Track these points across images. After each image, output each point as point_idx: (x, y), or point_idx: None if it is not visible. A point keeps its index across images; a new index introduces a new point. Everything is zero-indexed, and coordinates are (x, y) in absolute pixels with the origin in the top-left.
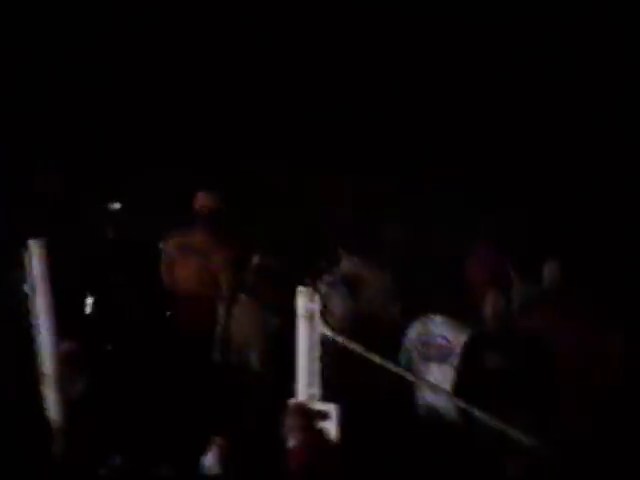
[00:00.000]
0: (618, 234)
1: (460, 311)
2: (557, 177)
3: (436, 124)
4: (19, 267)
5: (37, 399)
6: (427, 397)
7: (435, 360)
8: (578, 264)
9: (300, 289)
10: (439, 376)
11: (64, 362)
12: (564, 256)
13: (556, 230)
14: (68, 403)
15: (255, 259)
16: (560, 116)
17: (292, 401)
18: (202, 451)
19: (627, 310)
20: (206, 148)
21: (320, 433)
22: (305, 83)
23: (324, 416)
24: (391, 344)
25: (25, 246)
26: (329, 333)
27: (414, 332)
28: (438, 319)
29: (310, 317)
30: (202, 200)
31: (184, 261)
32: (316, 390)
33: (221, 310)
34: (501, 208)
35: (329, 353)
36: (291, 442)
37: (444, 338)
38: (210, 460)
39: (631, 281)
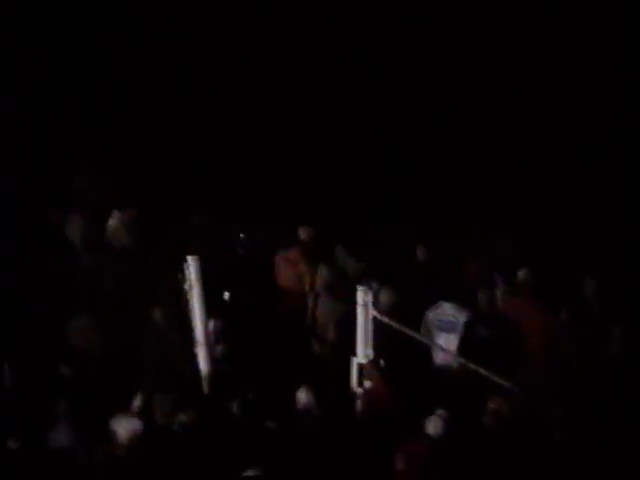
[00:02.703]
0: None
1: (462, 300)
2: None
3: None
4: (182, 272)
5: (194, 357)
6: (440, 355)
7: (445, 331)
8: (538, 274)
9: (359, 287)
10: (448, 341)
11: (211, 334)
12: (530, 267)
13: (527, 248)
14: (213, 359)
15: (329, 268)
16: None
17: (354, 359)
18: (294, 394)
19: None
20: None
21: (377, 379)
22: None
23: (377, 368)
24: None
25: (185, 259)
26: (378, 315)
27: (432, 313)
28: (448, 304)
29: (365, 305)
30: (302, 231)
31: (285, 270)
32: (370, 351)
33: (309, 301)
34: (492, 231)
35: (378, 327)
36: (361, 389)
37: (452, 316)
38: (303, 398)
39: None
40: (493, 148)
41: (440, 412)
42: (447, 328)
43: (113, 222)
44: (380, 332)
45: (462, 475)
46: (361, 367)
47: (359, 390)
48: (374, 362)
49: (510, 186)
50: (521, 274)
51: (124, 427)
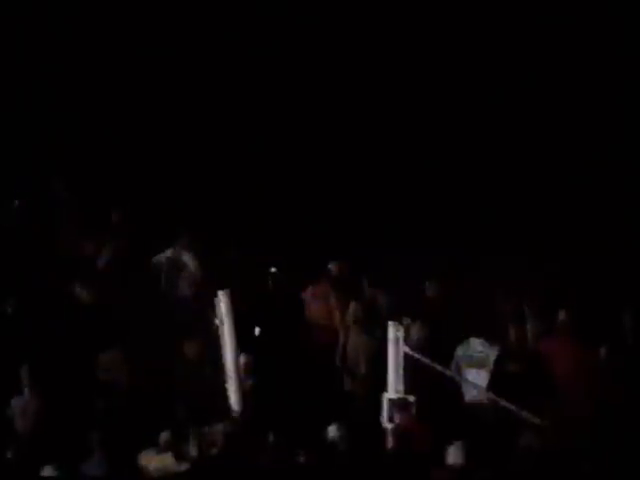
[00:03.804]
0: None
1: (492, 336)
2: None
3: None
4: (212, 307)
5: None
6: (470, 391)
7: (475, 366)
8: (574, 313)
9: (390, 322)
10: (478, 378)
11: (242, 368)
12: (565, 305)
13: (561, 284)
14: (243, 393)
15: (361, 301)
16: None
17: (385, 394)
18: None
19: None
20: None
21: (408, 415)
22: None
23: (408, 404)
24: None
25: (216, 295)
26: (408, 350)
27: (461, 349)
28: (478, 340)
29: (396, 340)
30: (332, 265)
31: (315, 305)
32: (401, 387)
33: (340, 335)
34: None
35: (409, 363)
36: (391, 424)
37: (482, 352)
38: (333, 433)
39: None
40: (528, 181)
41: (459, 442)
42: (477, 364)
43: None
44: (411, 368)
45: None
46: (392, 402)
47: (389, 425)
48: (404, 398)
49: (542, 221)
50: (560, 314)
51: (155, 463)
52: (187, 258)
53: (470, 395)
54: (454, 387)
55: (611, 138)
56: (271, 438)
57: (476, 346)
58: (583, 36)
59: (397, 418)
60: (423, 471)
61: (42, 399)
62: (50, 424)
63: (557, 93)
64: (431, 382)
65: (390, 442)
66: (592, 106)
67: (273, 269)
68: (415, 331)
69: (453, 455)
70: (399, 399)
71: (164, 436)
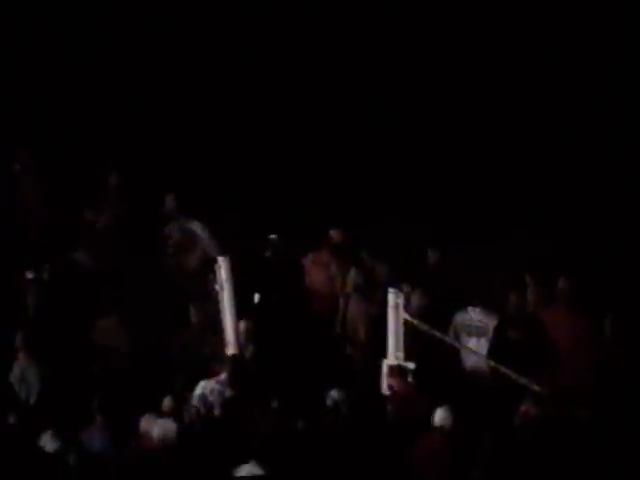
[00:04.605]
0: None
1: (492, 304)
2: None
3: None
4: (213, 273)
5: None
6: (469, 359)
7: (475, 335)
8: (575, 281)
9: (390, 289)
10: (476, 345)
11: (242, 334)
12: (566, 272)
13: (562, 252)
14: (242, 359)
15: (361, 269)
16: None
17: (385, 361)
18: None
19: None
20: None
21: (406, 382)
22: None
23: (409, 371)
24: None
25: (216, 260)
26: (409, 318)
27: (460, 317)
28: (477, 309)
29: (396, 307)
30: (333, 233)
31: (315, 272)
32: (400, 353)
33: (340, 302)
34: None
35: (409, 330)
36: (391, 389)
37: (481, 321)
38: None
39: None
40: (532, 153)
41: (445, 405)
42: (476, 332)
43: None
44: (411, 334)
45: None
46: (387, 369)
47: (388, 391)
48: (398, 365)
49: (548, 190)
50: (560, 282)
51: (158, 428)
52: (198, 228)
53: (470, 362)
54: (454, 354)
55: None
56: (272, 404)
57: (475, 315)
58: (583, 36)
59: (392, 384)
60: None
61: (40, 365)
62: (49, 390)
63: (554, 84)
64: (431, 349)
65: (387, 407)
66: (592, 101)
67: (273, 235)
68: (416, 298)
69: (439, 417)
70: (394, 366)
71: (166, 401)
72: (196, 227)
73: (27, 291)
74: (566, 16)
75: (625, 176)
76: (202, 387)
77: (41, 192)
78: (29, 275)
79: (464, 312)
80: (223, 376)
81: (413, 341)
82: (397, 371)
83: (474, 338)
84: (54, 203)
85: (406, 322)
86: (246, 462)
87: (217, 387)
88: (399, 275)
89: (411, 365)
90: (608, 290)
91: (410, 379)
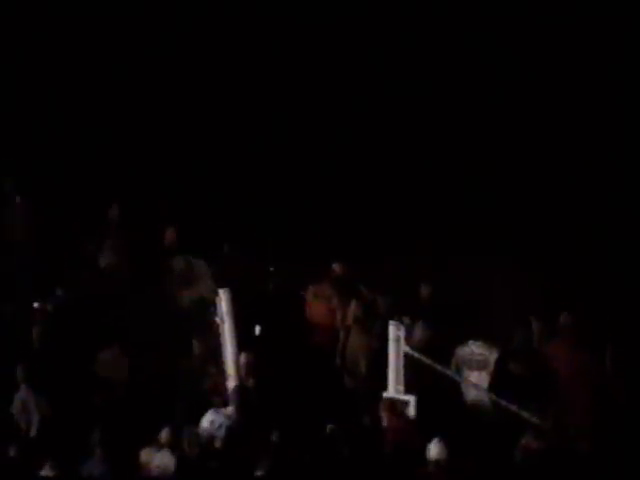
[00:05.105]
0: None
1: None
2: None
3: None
4: (213, 305)
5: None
6: (470, 392)
7: (476, 369)
8: (577, 315)
9: (391, 322)
10: (478, 379)
11: (242, 366)
12: (568, 307)
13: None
14: (245, 390)
15: (361, 301)
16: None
17: (385, 394)
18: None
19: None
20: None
21: (404, 416)
22: None
23: (406, 404)
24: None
25: (217, 293)
26: (409, 350)
27: (462, 351)
28: (478, 342)
29: (397, 340)
30: (335, 266)
31: (316, 304)
32: (401, 387)
33: (340, 334)
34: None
35: (409, 363)
36: (385, 423)
37: (482, 354)
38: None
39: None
40: (527, 184)
41: (439, 437)
42: (477, 366)
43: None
44: (411, 367)
45: None
46: (386, 402)
47: (387, 427)
48: (390, 398)
49: (544, 222)
50: (563, 317)
51: (156, 460)
52: (200, 261)
53: (471, 396)
54: (454, 387)
55: (610, 136)
56: (272, 437)
57: (476, 348)
58: (583, 36)
59: (386, 419)
60: (413, 470)
61: (41, 396)
62: (50, 421)
63: (555, 89)
64: (432, 382)
65: (385, 440)
66: (592, 104)
67: (272, 269)
68: (418, 331)
69: (434, 451)
70: (390, 399)
71: (164, 433)
72: (198, 260)
73: (32, 322)
74: (566, 16)
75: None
76: (209, 420)
77: (27, 220)
78: (34, 305)
79: (465, 345)
80: (230, 409)
81: (414, 374)
82: (394, 404)
83: (475, 372)
84: (42, 231)
85: (406, 355)
86: None
87: (225, 421)
88: (399, 307)
89: (411, 398)
90: (609, 324)
91: (410, 412)
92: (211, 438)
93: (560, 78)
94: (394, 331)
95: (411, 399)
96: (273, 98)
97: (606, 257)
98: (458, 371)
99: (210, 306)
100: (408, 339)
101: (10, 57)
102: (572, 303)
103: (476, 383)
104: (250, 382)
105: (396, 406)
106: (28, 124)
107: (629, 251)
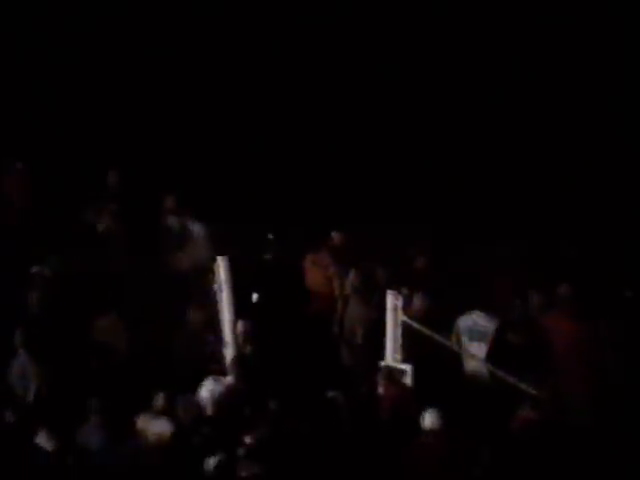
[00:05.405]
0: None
1: (492, 309)
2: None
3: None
4: (212, 272)
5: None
6: (469, 363)
7: (476, 340)
8: (575, 286)
9: (389, 292)
10: (478, 350)
11: (239, 334)
12: (566, 278)
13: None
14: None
15: (360, 271)
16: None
17: (382, 363)
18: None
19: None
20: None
21: (401, 384)
22: None
23: (404, 373)
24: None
25: (215, 260)
26: (407, 320)
27: (464, 321)
28: (481, 314)
29: (395, 309)
30: (333, 235)
31: (314, 272)
32: (398, 356)
33: (338, 303)
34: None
35: (407, 332)
36: (383, 391)
37: (484, 326)
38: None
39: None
40: (528, 158)
41: (433, 407)
42: (477, 337)
43: None
44: (409, 336)
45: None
46: (384, 371)
47: (384, 395)
48: (387, 366)
49: (552, 199)
50: (561, 288)
51: (153, 427)
52: (197, 227)
53: (470, 366)
54: (452, 357)
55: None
56: (271, 404)
57: (479, 320)
58: (583, 36)
59: (383, 387)
60: (409, 438)
61: (39, 362)
62: (47, 388)
63: (554, 81)
64: (429, 351)
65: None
66: (590, 97)
67: (271, 236)
68: (417, 302)
69: (428, 421)
70: (385, 368)
71: (159, 399)
72: (195, 226)
73: (30, 287)
74: (566, 16)
75: (625, 183)
76: (209, 389)
77: (22, 183)
78: (32, 270)
79: (468, 316)
80: (229, 378)
81: (411, 343)
82: (392, 373)
83: (475, 342)
84: (37, 195)
85: (404, 324)
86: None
87: (223, 389)
88: (399, 279)
89: (408, 367)
90: (608, 295)
91: (407, 381)
92: (209, 406)
93: (559, 72)
94: (392, 300)
95: (408, 368)
96: (272, 72)
97: (604, 229)
98: (458, 341)
99: (208, 273)
100: (406, 309)
101: (10, 32)
102: (570, 274)
103: (476, 353)
104: (248, 350)
105: (394, 374)
106: (28, 91)
107: (627, 224)
